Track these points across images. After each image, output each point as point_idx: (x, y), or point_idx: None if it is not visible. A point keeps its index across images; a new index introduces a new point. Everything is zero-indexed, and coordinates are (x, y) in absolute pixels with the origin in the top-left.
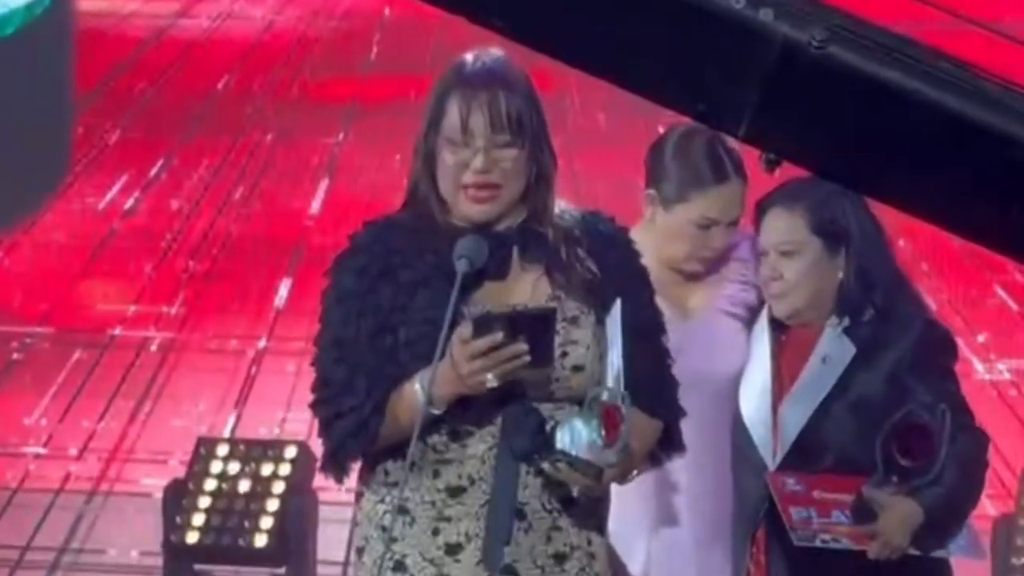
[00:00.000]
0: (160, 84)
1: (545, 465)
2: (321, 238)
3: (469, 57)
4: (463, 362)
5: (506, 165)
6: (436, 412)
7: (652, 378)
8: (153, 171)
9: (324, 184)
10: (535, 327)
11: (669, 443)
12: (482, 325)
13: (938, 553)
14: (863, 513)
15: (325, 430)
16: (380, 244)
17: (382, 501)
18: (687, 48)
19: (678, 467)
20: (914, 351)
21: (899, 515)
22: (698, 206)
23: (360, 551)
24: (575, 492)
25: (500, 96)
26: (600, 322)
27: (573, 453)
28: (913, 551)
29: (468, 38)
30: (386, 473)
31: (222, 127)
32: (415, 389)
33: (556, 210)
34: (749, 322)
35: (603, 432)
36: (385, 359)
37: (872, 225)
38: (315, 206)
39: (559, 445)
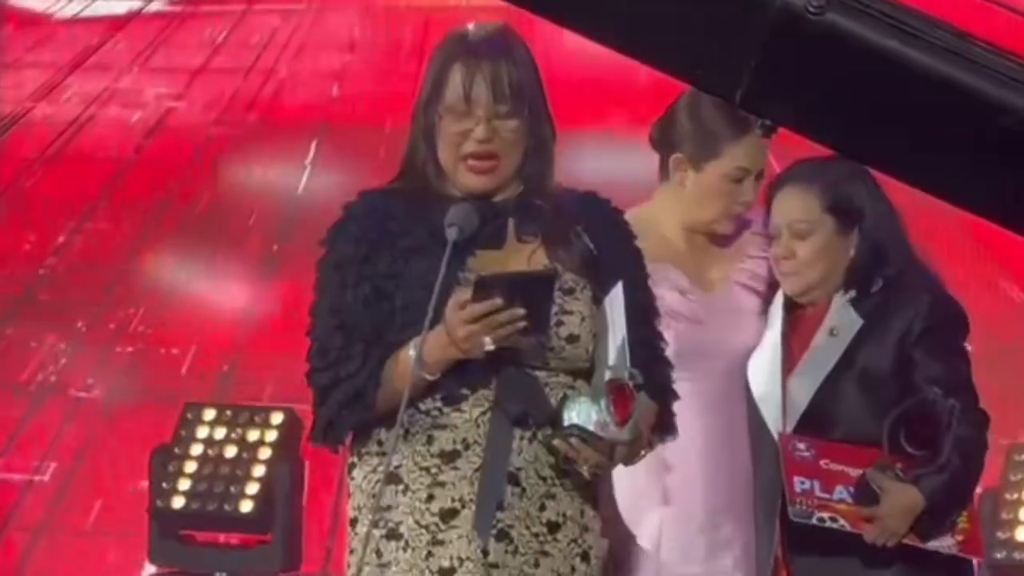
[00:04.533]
0: None
1: (557, 441)
2: None
3: (471, 26)
4: (459, 326)
5: (506, 135)
6: (430, 377)
7: (647, 361)
8: None
9: None
10: (533, 291)
11: (662, 426)
12: (481, 288)
13: (932, 545)
14: (865, 493)
15: (322, 399)
16: (376, 212)
17: (374, 471)
18: (685, 12)
19: (691, 440)
20: (922, 324)
21: (900, 501)
22: (730, 158)
23: (353, 522)
24: (586, 472)
25: (503, 66)
26: (595, 297)
27: (588, 428)
28: (909, 540)
29: None
30: (379, 443)
31: None
32: (410, 355)
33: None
34: (767, 297)
35: (613, 410)
36: (381, 325)
37: (886, 205)
38: None
39: (568, 421)
